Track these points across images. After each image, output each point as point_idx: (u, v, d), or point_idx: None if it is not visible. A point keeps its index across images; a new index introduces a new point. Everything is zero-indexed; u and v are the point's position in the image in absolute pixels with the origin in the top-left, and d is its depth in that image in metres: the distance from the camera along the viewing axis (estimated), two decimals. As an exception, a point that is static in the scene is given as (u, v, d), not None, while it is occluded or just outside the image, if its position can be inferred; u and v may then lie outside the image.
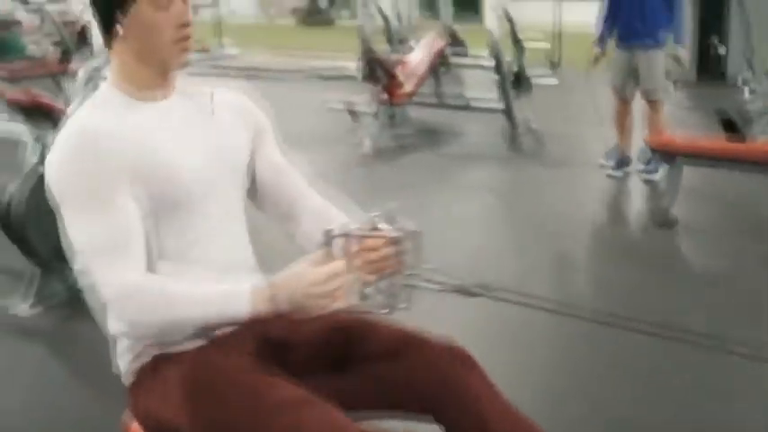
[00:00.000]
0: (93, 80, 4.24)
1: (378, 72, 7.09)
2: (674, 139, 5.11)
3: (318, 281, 1.60)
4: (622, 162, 6.26)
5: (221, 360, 1.70)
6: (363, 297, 1.68)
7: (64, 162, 1.67)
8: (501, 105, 7.67)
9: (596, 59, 6.24)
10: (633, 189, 6.15)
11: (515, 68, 7.69)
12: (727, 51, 10.37)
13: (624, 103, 6.20)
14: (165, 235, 1.75)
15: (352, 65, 11.41)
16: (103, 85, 1.80)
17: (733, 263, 4.47)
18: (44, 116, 4.60)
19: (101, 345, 3.71)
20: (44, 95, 4.64)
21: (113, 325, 1.75)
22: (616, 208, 5.89)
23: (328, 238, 1.63)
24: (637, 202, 6.05)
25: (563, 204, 5.75)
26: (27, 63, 11.62)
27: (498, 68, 7.48)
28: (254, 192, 1.95)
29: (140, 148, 1.71)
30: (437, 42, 8.01)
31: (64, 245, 3.48)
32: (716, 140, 5.05)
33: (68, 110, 4.08)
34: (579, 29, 13.51)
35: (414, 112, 8.26)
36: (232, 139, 1.88)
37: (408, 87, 7.33)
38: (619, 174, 6.24)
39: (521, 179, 6.62)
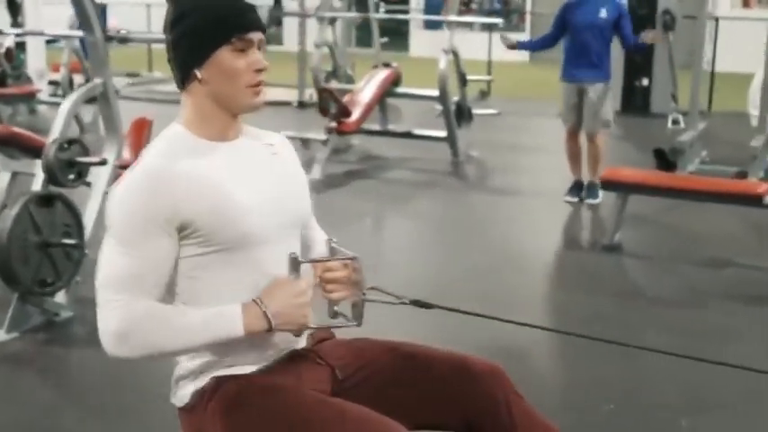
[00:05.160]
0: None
1: (328, 102, 7.26)
2: (623, 173, 5.48)
3: (300, 292, 1.81)
4: (576, 189, 6.57)
5: (296, 394, 1.83)
6: (333, 315, 1.97)
7: (123, 197, 1.80)
8: (443, 134, 7.94)
9: (505, 40, 6.78)
10: (575, 215, 6.44)
11: (457, 99, 8.01)
12: (651, 86, 10.93)
13: (573, 135, 6.55)
14: (216, 275, 1.84)
15: (290, 92, 11.63)
16: (174, 126, 1.90)
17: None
18: (21, 149, 4.65)
19: (75, 369, 3.80)
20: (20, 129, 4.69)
21: (114, 349, 1.77)
22: (558, 233, 6.12)
23: (295, 264, 1.85)
24: (578, 227, 6.34)
25: (510, 231, 6.01)
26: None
27: (443, 99, 7.76)
28: None
29: (210, 189, 1.80)
30: (384, 73, 8.23)
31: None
32: (657, 174, 5.45)
33: (48, 139, 4.16)
34: (507, 62, 13.98)
35: (357, 141, 8.49)
36: (296, 185, 1.99)
37: (356, 117, 7.52)
38: (574, 199, 6.53)
39: (464, 206, 6.84)
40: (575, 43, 6.41)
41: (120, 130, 4.32)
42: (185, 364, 1.92)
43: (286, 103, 11.26)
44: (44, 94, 10.56)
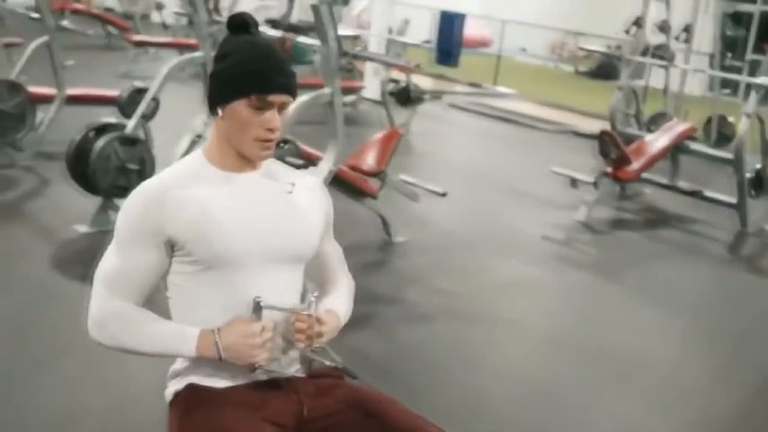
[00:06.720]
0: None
1: (608, 146, 7.05)
2: None
3: (253, 333, 1.93)
4: None
5: (246, 424, 1.93)
6: (302, 360, 2.10)
7: (126, 205, 2.01)
8: (734, 200, 7.37)
9: None
10: None
11: (759, 166, 7.39)
12: None
13: None
14: (196, 289, 2.00)
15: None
16: (197, 151, 2.09)
17: None
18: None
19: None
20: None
21: (92, 334, 2.01)
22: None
23: (256, 306, 1.97)
24: None
25: (757, 322, 5.45)
26: (308, 71, 12.41)
27: (737, 164, 7.21)
28: None
29: (195, 212, 1.96)
30: (681, 127, 7.83)
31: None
32: None
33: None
34: None
35: (648, 191, 8.16)
36: (299, 225, 2.09)
37: (635, 166, 7.23)
38: None
39: (722, 282, 6.29)
40: None
41: (341, 139, 4.56)
42: (175, 366, 2.09)
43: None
44: (371, 92, 11.17)
